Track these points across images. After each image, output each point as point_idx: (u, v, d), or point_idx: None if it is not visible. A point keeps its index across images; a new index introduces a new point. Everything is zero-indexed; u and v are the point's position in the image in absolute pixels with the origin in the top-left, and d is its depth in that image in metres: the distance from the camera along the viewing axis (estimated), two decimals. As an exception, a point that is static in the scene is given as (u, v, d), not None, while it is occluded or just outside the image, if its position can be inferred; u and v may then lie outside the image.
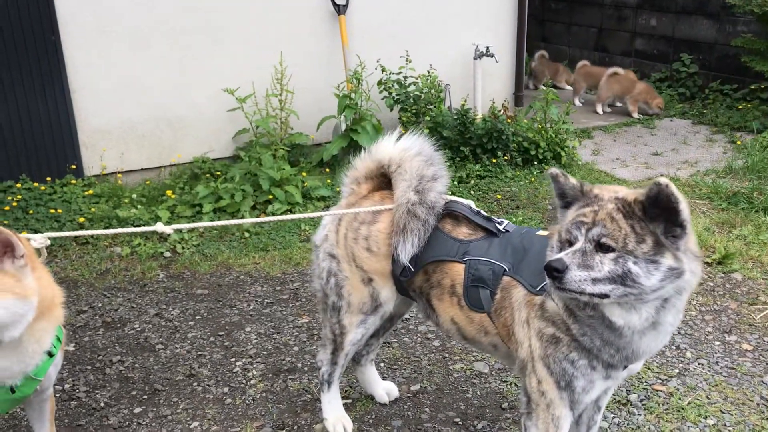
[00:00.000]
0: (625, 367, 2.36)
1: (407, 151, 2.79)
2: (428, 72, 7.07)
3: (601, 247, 2.08)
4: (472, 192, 6.32)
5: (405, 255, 2.68)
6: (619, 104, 9.42)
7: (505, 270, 2.51)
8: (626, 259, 2.06)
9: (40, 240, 2.49)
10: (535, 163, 6.87)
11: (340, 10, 6.94)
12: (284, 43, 6.66)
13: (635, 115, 8.93)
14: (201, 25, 6.49)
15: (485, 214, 2.74)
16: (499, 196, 6.23)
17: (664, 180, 2.02)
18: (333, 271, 2.95)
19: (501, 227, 2.65)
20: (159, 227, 2.58)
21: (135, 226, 5.63)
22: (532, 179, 6.63)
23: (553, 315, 2.33)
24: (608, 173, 6.92)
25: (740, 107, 8.69)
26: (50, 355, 2.44)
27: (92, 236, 5.49)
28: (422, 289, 2.80)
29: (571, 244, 2.15)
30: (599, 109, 9.24)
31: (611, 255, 2.07)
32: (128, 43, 6.25)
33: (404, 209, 2.69)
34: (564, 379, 2.34)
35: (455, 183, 6.39)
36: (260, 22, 6.72)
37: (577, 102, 9.59)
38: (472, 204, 2.79)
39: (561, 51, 11.77)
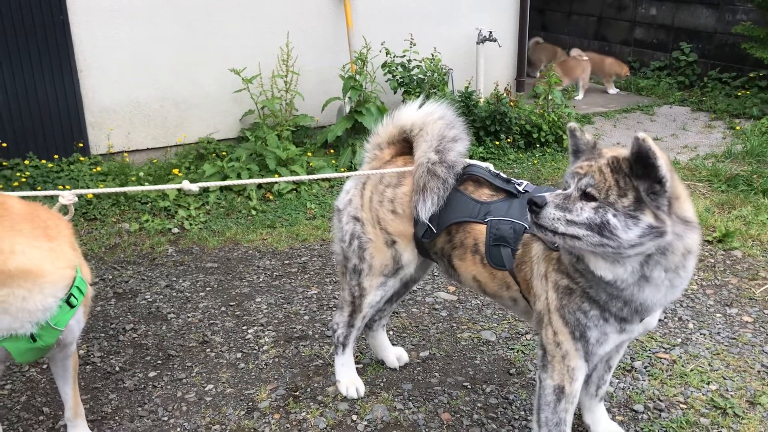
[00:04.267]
0: (641, 320, 2.43)
1: (430, 116, 2.86)
2: (432, 55, 7.13)
3: (586, 196, 2.18)
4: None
5: (424, 213, 2.76)
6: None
7: (526, 228, 2.59)
8: (606, 210, 2.14)
9: (69, 197, 2.55)
10: (538, 146, 6.95)
11: (345, -8, 6.99)
12: (290, 24, 6.71)
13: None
14: (208, 5, 6.53)
15: (504, 176, 2.82)
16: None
17: (641, 134, 2.09)
18: (357, 234, 3.02)
19: (520, 188, 2.72)
20: (185, 185, 2.64)
21: (142, 204, 5.71)
22: (534, 161, 6.71)
23: (568, 267, 2.41)
24: (609, 157, 6.99)
25: (739, 95, 8.79)
26: (71, 306, 2.49)
27: (101, 213, 5.54)
28: (444, 251, 2.88)
29: None
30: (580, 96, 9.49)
31: (593, 204, 2.17)
32: (136, 22, 6.29)
33: (424, 168, 2.77)
34: (578, 330, 2.42)
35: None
36: (267, 3, 6.76)
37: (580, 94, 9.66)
38: (491, 167, 2.86)
39: (560, 40, 11.83)
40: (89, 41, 6.17)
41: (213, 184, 2.84)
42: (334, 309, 4.12)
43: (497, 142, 6.84)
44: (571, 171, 2.28)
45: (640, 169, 2.14)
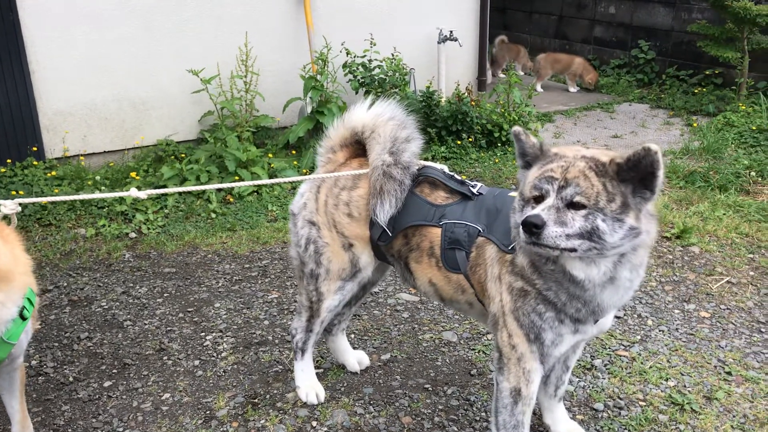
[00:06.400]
0: (596, 322, 2.44)
1: (380, 117, 2.83)
2: (392, 55, 7.11)
3: (574, 205, 2.15)
4: (437, 173, 6.40)
5: (383, 216, 2.73)
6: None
7: (480, 231, 2.57)
8: (596, 216, 2.13)
9: (11, 206, 2.46)
10: (499, 145, 6.97)
11: (304, -8, 6.93)
12: (249, 24, 6.63)
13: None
14: (166, 5, 6.42)
15: (459, 177, 2.80)
16: (464, 177, 6.30)
17: (654, 146, 2.08)
18: (312, 238, 2.98)
19: (475, 190, 2.71)
20: (133, 192, 2.58)
21: (99, 208, 5.59)
22: (496, 160, 6.73)
23: (522, 269, 2.40)
24: (570, 155, 7.05)
25: (696, 92, 8.93)
26: (23, 318, 2.41)
27: (55, 218, 5.41)
28: (401, 253, 2.85)
29: (536, 200, 2.21)
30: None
31: (582, 212, 2.14)
32: (91, 22, 6.15)
33: (380, 171, 2.74)
34: (533, 332, 2.41)
35: (421, 164, 6.45)
36: (226, 3, 6.67)
37: (538, 88, 9.75)
38: (446, 168, 2.85)
39: (522, 39, 11.91)
40: (42, 42, 6.02)
41: (162, 191, 2.77)
42: (294, 313, 4.07)
43: (459, 142, 6.84)
44: (539, 176, 2.22)
45: (630, 174, 2.14)
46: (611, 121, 8.31)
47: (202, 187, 2.95)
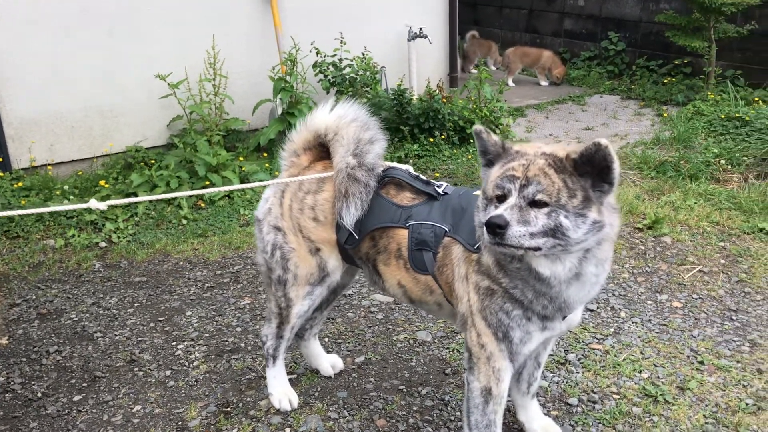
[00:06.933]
0: (564, 318, 2.43)
1: (343, 119, 2.80)
2: (363, 54, 7.08)
3: (536, 203, 2.14)
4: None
5: (349, 219, 2.70)
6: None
7: (446, 231, 2.56)
8: (558, 212, 2.12)
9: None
10: (471, 141, 6.96)
11: (271, -8, 6.87)
12: (216, 27, 6.55)
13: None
14: (129, 10, 6.33)
15: (424, 178, 2.78)
16: (437, 174, 6.30)
17: (604, 141, 2.09)
18: (278, 244, 2.94)
19: (440, 190, 2.69)
20: (92, 204, 2.52)
21: (68, 218, 5.50)
22: (469, 156, 6.72)
23: (488, 268, 2.39)
24: (542, 149, 7.07)
25: (666, 82, 9.00)
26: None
27: (23, 230, 5.32)
28: (369, 256, 2.82)
29: (499, 199, 2.20)
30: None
31: (545, 210, 2.13)
32: (55, 31, 6.05)
33: (344, 174, 2.71)
34: (501, 330, 2.40)
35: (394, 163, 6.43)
36: (191, 5, 6.60)
37: (510, 82, 9.77)
38: (411, 169, 2.83)
39: (493, 33, 11.94)
40: (5, 52, 5.90)
41: (123, 201, 2.72)
42: (265, 320, 4.03)
43: (431, 139, 6.83)
44: (501, 175, 2.21)
45: (586, 168, 2.14)
46: (583, 114, 8.35)
47: (167, 195, 2.89)
